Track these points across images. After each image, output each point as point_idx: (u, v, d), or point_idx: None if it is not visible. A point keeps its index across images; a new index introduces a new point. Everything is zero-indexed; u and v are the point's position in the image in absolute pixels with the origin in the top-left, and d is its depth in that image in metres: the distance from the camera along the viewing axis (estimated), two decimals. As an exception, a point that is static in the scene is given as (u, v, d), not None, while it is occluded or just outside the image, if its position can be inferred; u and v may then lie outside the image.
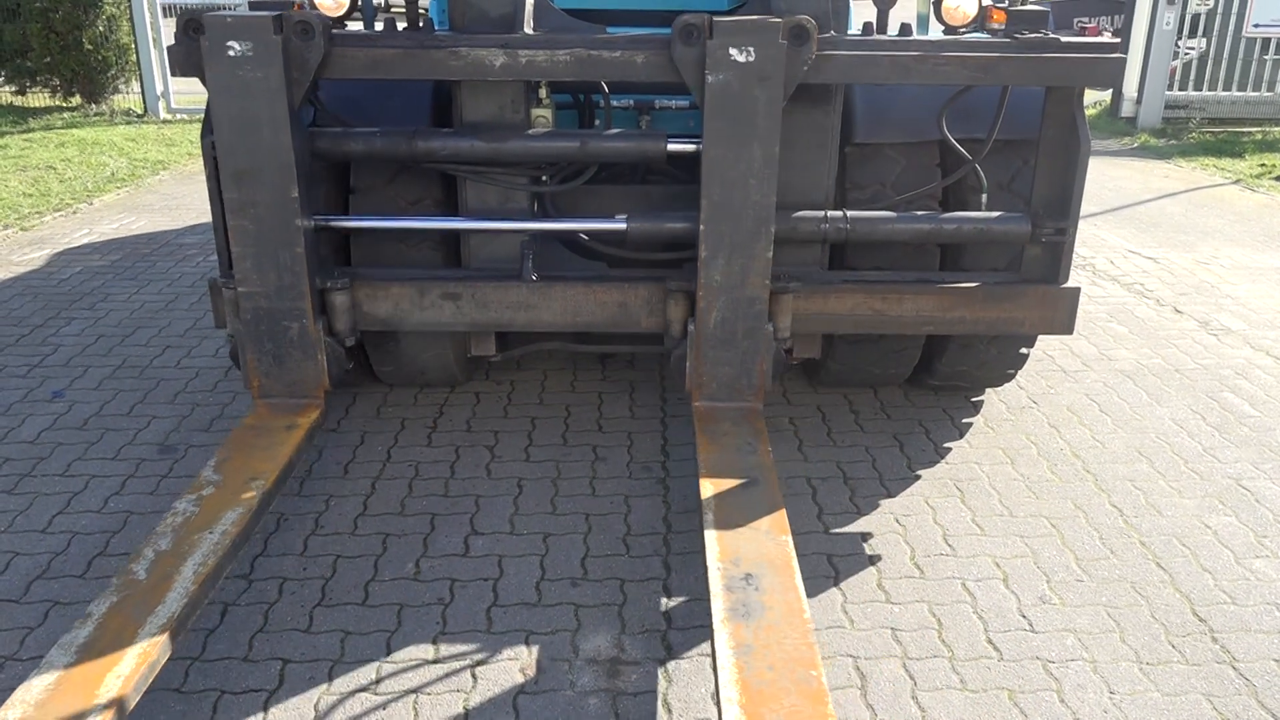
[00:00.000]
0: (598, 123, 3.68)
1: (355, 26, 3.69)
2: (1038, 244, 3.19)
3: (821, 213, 3.15)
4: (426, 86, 3.37)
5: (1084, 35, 14.82)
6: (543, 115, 3.24)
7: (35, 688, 2.00)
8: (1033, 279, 3.23)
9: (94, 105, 10.79)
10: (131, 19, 10.38)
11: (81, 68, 10.57)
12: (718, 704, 2.01)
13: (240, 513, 2.58)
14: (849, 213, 3.15)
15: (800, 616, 2.21)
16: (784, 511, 2.63)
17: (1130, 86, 10.52)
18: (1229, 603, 2.79)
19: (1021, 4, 3.51)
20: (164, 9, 10.74)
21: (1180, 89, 10.60)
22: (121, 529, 3.09)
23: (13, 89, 11.08)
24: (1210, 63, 10.52)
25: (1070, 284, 3.20)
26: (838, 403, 3.96)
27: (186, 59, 2.84)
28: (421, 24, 3.15)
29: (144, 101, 10.64)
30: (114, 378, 4.16)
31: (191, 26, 2.80)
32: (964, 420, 3.83)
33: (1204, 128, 10.29)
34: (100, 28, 10.50)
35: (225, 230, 3.01)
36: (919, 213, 3.21)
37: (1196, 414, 3.92)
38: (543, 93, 3.27)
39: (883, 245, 3.29)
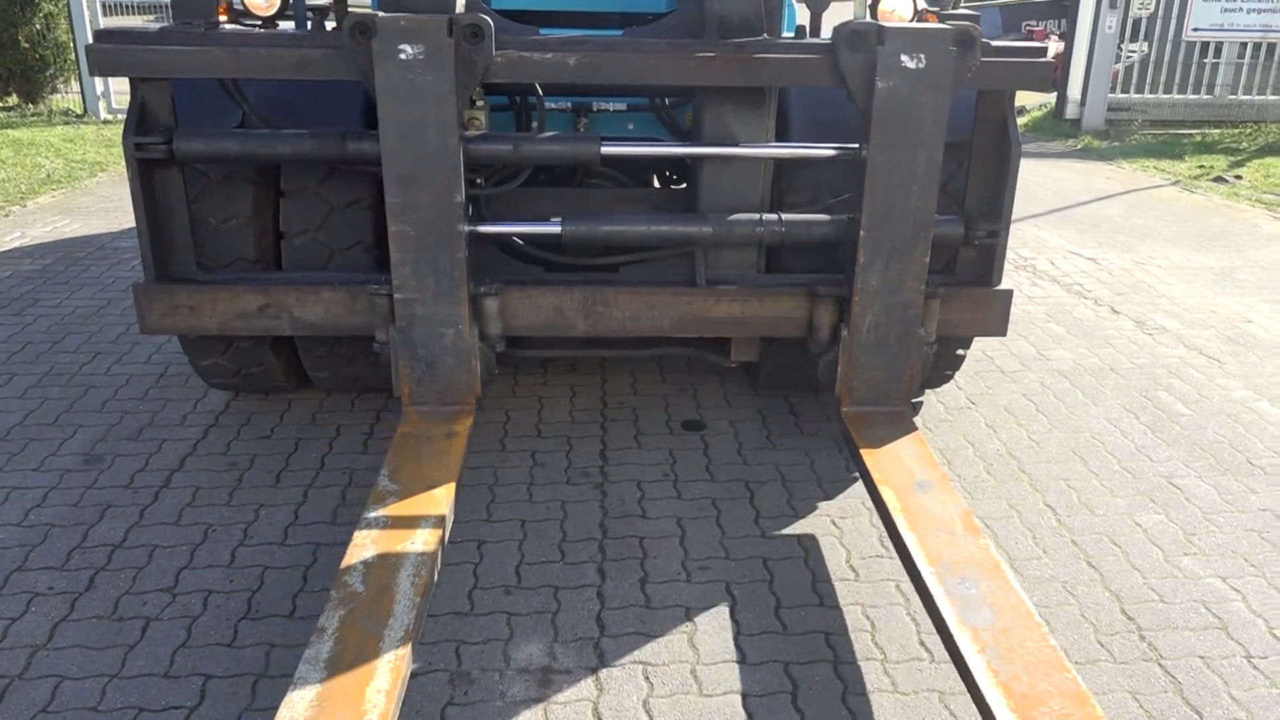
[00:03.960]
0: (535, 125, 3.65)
1: (287, 26, 3.64)
2: (971, 246, 3.21)
3: (757, 215, 3.15)
4: (359, 87, 3.31)
5: (1032, 39, 15.06)
6: (476, 117, 3.20)
7: (298, 705, 1.96)
8: (966, 281, 3.25)
9: (31, 105, 10.55)
10: (70, 17, 10.15)
11: (18, 66, 10.33)
12: (983, 709, 2.01)
13: (433, 522, 2.54)
14: (784, 215, 3.15)
15: (1031, 619, 2.22)
16: (970, 512, 2.63)
17: (1074, 89, 10.69)
18: (1157, 601, 2.82)
19: (955, 8, 3.53)
20: (104, 7, 10.53)
21: (1123, 91, 10.79)
22: (42, 542, 3.00)
23: (-54, 88, 10.81)
24: (1151, 66, 10.72)
25: (1003, 286, 3.22)
26: (778, 406, 3.96)
27: (352, 62, 2.76)
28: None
29: (84, 101, 10.42)
30: (40, 386, 4.05)
31: (360, 29, 2.71)
32: (903, 421, 3.85)
33: (1146, 129, 10.48)
34: (37, 25, 10.27)
35: (152, 231, 2.92)
36: (853, 215, 3.21)
37: (1130, 413, 3.98)
38: (477, 94, 3.23)
39: (818, 248, 3.29)
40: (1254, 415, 3.98)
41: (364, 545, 2.44)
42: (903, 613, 2.75)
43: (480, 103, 3.24)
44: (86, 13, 10.04)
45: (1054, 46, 13.26)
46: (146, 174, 3.01)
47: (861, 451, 2.93)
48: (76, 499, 3.24)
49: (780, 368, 3.73)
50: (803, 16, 3.67)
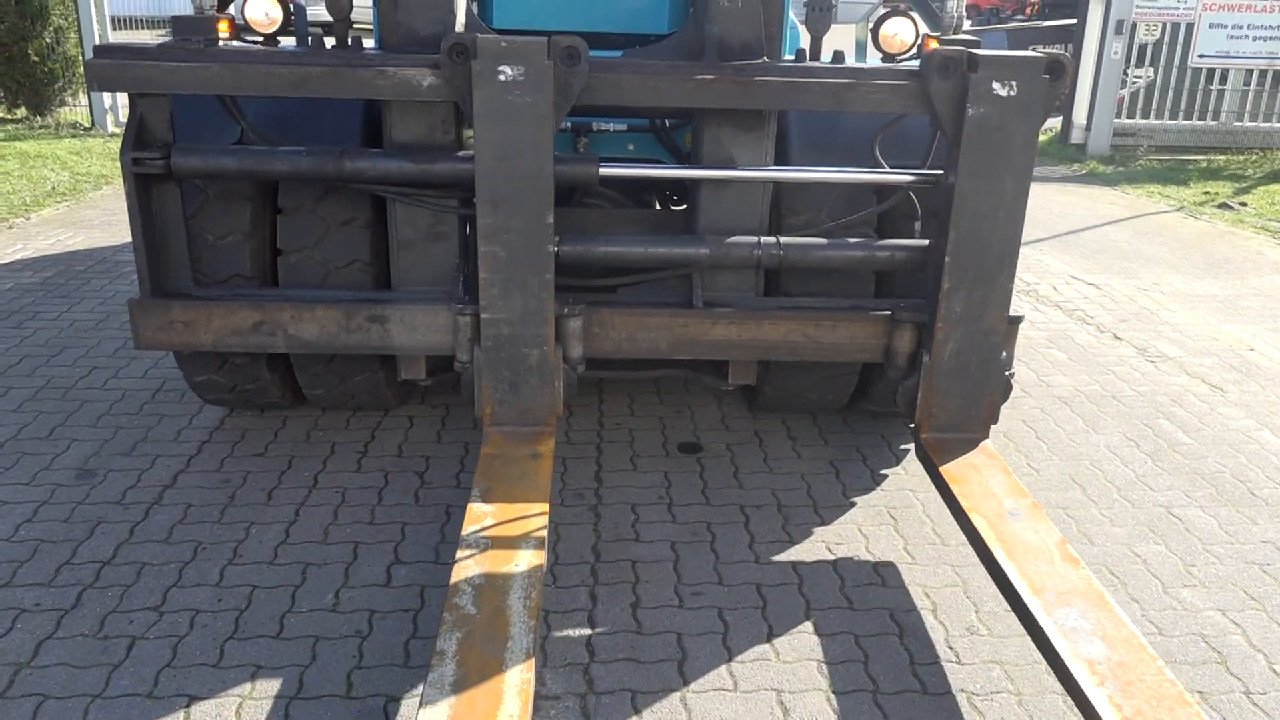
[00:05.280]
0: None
1: (288, 43, 3.64)
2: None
3: (755, 238, 3.14)
4: (357, 105, 3.31)
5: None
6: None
7: None
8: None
9: (39, 118, 10.58)
10: (79, 31, 10.21)
11: (27, 80, 10.37)
12: None
13: (534, 543, 2.54)
14: (781, 239, 3.13)
15: (1145, 651, 2.20)
16: (1065, 541, 2.61)
17: (1079, 114, 10.70)
18: (1156, 633, 2.78)
19: (955, 33, 3.53)
20: (113, 21, 10.60)
21: (1128, 117, 10.79)
22: (31, 558, 2.98)
23: (-44, 101, 10.87)
24: (1157, 92, 10.73)
25: (1015, 312, 3.20)
26: (776, 429, 3.94)
27: (450, 83, 2.77)
28: (350, 42, 3.09)
29: (91, 115, 10.46)
30: (35, 399, 4.03)
31: (458, 50, 2.72)
32: (902, 447, 3.82)
33: (1151, 155, 10.47)
34: (47, 39, 10.31)
35: (166, 245, 2.91)
36: (851, 239, 3.20)
37: (1131, 441, 3.94)
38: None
39: (817, 272, 3.28)
40: (1256, 445, 3.94)
41: (469, 567, 2.44)
42: (895, 642, 2.71)
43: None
44: (96, 27, 10.10)
45: (1060, 71, 13.33)
46: (144, 189, 3.01)
47: (946, 479, 2.91)
48: (67, 514, 3.22)
49: (778, 390, 3.70)
50: (805, 40, 3.67)
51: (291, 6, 3.42)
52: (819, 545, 3.17)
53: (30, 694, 2.44)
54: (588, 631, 2.73)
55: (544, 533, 2.60)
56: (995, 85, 2.79)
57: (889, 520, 3.31)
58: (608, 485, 3.49)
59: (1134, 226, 7.63)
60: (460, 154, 3.08)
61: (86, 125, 10.44)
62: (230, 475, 3.49)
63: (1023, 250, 6.63)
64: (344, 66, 2.83)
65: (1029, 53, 2.85)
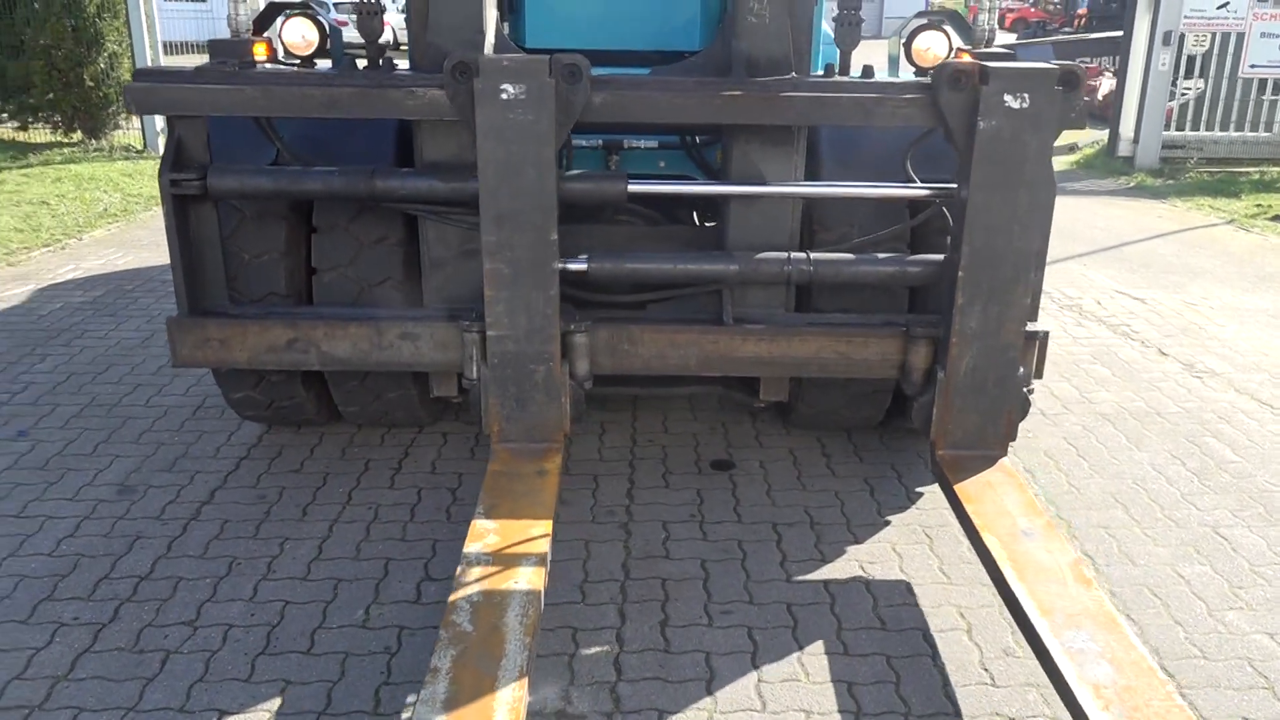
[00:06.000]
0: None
1: (324, 65, 3.70)
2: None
3: (784, 254, 3.12)
4: (390, 125, 3.35)
5: (1086, 76, 14.92)
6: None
7: None
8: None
9: (94, 141, 10.87)
10: (133, 56, 10.48)
11: (82, 104, 10.66)
12: None
13: (535, 560, 2.54)
14: (812, 254, 3.11)
15: (1154, 675, 2.15)
16: (1080, 561, 2.57)
17: (1127, 126, 10.53)
18: (1200, 657, 2.70)
19: (988, 46, 3.49)
20: (165, 46, 10.86)
21: (1178, 129, 10.59)
22: (71, 572, 3.04)
23: (15, 125, 11.18)
24: (1207, 103, 10.52)
25: (1038, 327, 3.15)
26: (810, 446, 3.90)
27: (454, 101, 2.82)
28: (382, 64, 3.13)
29: (144, 137, 10.72)
30: (81, 416, 4.12)
31: (461, 69, 2.77)
32: (938, 464, 3.76)
33: (1202, 167, 10.26)
34: (102, 65, 10.60)
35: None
36: (881, 254, 3.17)
37: (1176, 459, 3.85)
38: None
39: (849, 288, 3.25)
40: (1308, 463, 3.83)
41: (469, 584, 2.44)
42: (929, 663, 2.66)
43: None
44: (149, 52, 10.37)
45: (1107, 84, 13.12)
46: (181, 209, 3.07)
47: (960, 497, 2.86)
48: (108, 529, 3.28)
49: (811, 407, 3.67)
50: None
51: (327, 29, 3.47)
52: (852, 564, 3.13)
53: (66, 706, 2.48)
54: (616, 649, 2.71)
55: (545, 551, 2.58)
56: (1007, 97, 2.75)
57: (924, 539, 3.26)
58: (639, 502, 3.48)
59: (1182, 240, 7.48)
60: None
61: (139, 148, 10.70)
62: (266, 491, 3.53)
63: (1066, 264, 6.57)
64: (373, 87, 2.86)
65: (1041, 64, 2.80)
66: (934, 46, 3.44)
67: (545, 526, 2.68)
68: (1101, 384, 4.58)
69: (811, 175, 3.25)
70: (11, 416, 4.11)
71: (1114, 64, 12.82)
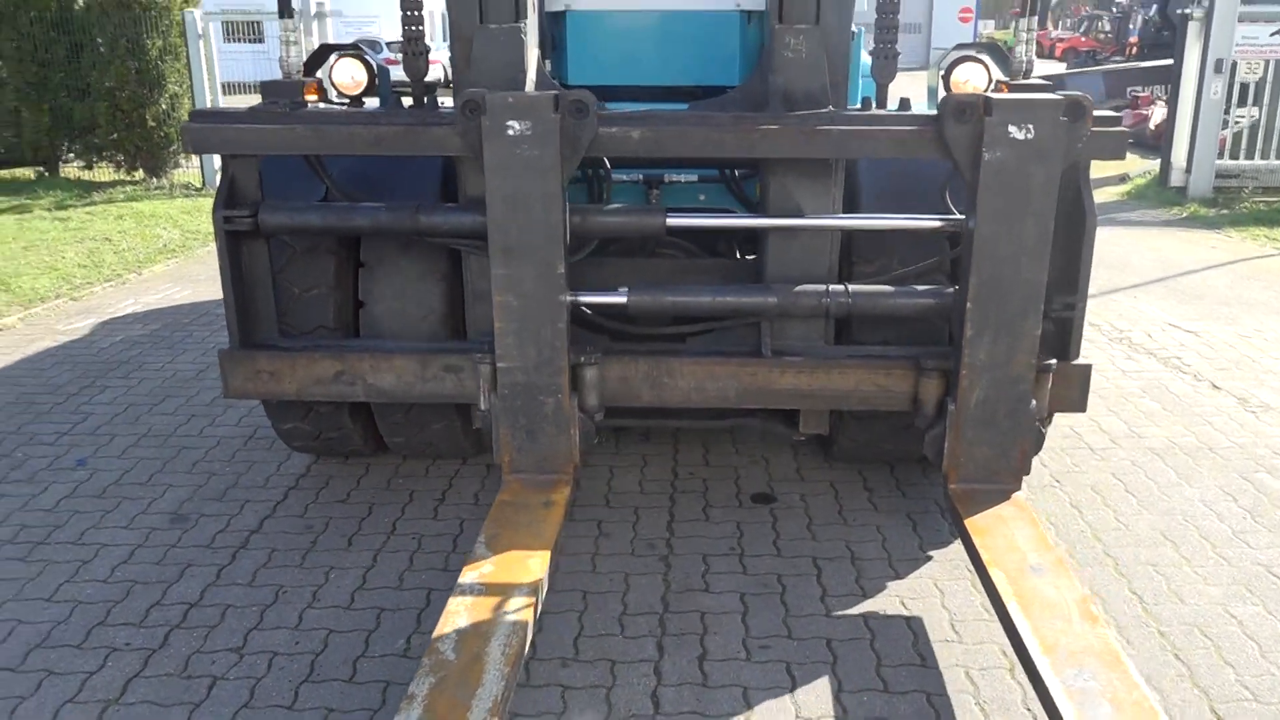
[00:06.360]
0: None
1: (372, 103, 3.81)
2: (1047, 320, 3.11)
3: (823, 286, 3.13)
4: (435, 162, 3.43)
5: (1136, 105, 14.73)
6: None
7: None
8: (1043, 356, 3.15)
9: (155, 179, 11.20)
10: (193, 97, 10.81)
11: (144, 143, 11.00)
12: None
13: (526, 590, 2.57)
14: (850, 286, 3.12)
15: (1156, 717, 2.12)
16: (1088, 598, 2.55)
17: (1179, 155, 10.38)
18: (1251, 700, 2.64)
19: (1026, 78, 3.49)
20: (224, 86, 11.19)
21: (1231, 158, 10.42)
22: (124, 599, 3.12)
23: (81, 164, 11.58)
24: (1262, 131, 10.34)
25: (1081, 361, 3.12)
26: (852, 480, 3.88)
27: (465, 138, 2.90)
28: (427, 102, 3.22)
29: (202, 175, 11.04)
30: (138, 446, 4.24)
31: (470, 107, 2.85)
32: (982, 499, 3.72)
33: (1257, 197, 10.07)
34: (164, 105, 10.94)
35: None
36: (919, 286, 3.16)
37: (1228, 495, 3.77)
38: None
39: (889, 320, 3.25)
40: (1367, 500, 3.73)
41: (458, 612, 2.46)
42: (971, 702, 2.63)
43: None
44: (209, 93, 10.70)
45: (1159, 113, 12.96)
46: (234, 245, 3.17)
47: (970, 531, 2.83)
48: (160, 557, 3.36)
49: (853, 440, 3.66)
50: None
51: (375, 69, 3.58)
52: (893, 599, 3.10)
53: (116, 730, 2.54)
54: (654, 682, 2.72)
55: (538, 581, 2.58)
56: (1011, 129, 2.74)
57: (966, 574, 3.23)
58: (679, 535, 3.49)
59: (1236, 271, 7.34)
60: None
61: (198, 186, 11.01)
62: (313, 521, 3.60)
63: (1116, 296, 6.48)
64: (417, 125, 2.94)
65: (1046, 95, 2.79)
66: (972, 78, 3.46)
67: (543, 558, 2.69)
68: (1151, 418, 4.51)
69: (851, 209, 3.27)
70: (71, 446, 4.24)
71: (1166, 92, 12.68)
